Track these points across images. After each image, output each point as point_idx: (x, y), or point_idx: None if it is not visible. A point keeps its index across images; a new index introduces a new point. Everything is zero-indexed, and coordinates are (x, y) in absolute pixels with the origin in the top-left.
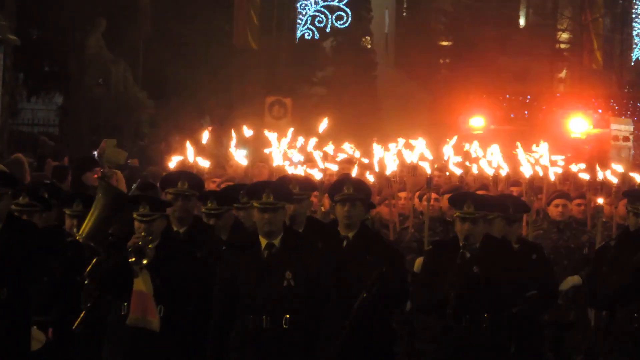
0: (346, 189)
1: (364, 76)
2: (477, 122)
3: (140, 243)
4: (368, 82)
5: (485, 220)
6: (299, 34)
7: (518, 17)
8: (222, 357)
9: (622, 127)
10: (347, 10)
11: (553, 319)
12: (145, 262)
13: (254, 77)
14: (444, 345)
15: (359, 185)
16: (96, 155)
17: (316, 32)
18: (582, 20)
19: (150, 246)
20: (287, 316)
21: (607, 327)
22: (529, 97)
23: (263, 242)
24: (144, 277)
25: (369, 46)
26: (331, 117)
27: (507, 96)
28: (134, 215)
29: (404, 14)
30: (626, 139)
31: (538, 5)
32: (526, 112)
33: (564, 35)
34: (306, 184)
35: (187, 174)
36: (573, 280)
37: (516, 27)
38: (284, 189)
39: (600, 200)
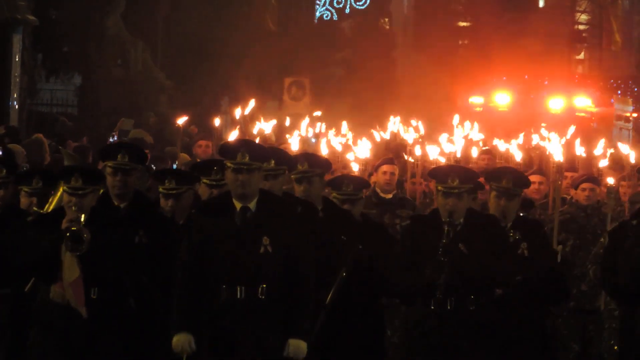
0: (300, 165)
1: (383, 57)
2: (477, 100)
3: (74, 229)
4: (386, 63)
5: (470, 196)
6: (317, 14)
7: None
8: (190, 331)
9: (620, 107)
10: None
11: (578, 306)
12: (81, 247)
13: (273, 59)
14: (427, 332)
15: (314, 160)
16: (115, 137)
17: (335, 13)
18: (600, 1)
19: (82, 220)
20: (264, 286)
21: (625, 327)
22: (547, 81)
23: (237, 205)
24: (67, 257)
25: (388, 27)
26: (349, 98)
27: (526, 77)
28: (64, 188)
29: None
30: (627, 119)
31: None
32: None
33: (583, 17)
34: (281, 158)
35: (128, 145)
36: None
37: (535, 9)
38: (261, 149)
39: (610, 180)
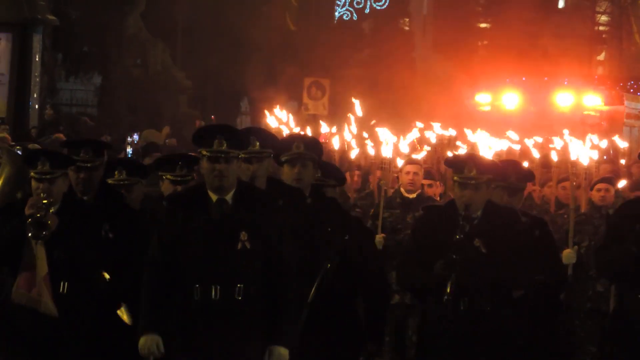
0: (295, 147)
1: (402, 58)
2: (483, 98)
3: (39, 215)
4: (406, 64)
5: (489, 188)
6: (337, 15)
7: None
8: (158, 332)
9: (633, 105)
10: None
11: (595, 307)
12: (45, 233)
13: (292, 58)
14: (440, 333)
15: (310, 143)
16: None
17: (354, 13)
18: (621, 2)
19: (51, 210)
20: (241, 285)
21: (616, 310)
22: (566, 81)
23: (213, 197)
24: (38, 251)
25: (407, 28)
26: (369, 98)
27: (546, 79)
28: (32, 174)
29: None
30: (637, 117)
31: None
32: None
33: (603, 18)
34: (267, 139)
35: (91, 142)
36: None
37: (555, 9)
38: (239, 135)
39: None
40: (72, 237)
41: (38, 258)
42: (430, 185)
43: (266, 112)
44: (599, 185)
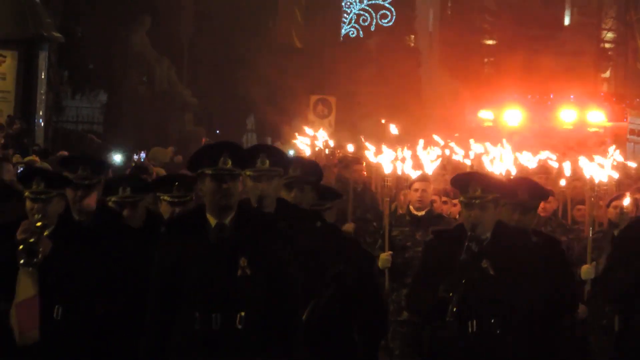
0: (292, 171)
1: (408, 75)
2: (487, 115)
3: (32, 240)
4: (412, 81)
5: (497, 206)
6: (343, 32)
7: (563, 16)
8: None
9: (636, 121)
10: (392, 8)
11: (610, 324)
12: (35, 261)
13: (298, 76)
14: (448, 355)
15: (308, 166)
16: (142, 155)
17: (361, 31)
18: (626, 19)
19: (45, 233)
20: (242, 314)
21: (621, 331)
22: (572, 96)
23: (212, 221)
24: (22, 275)
25: (413, 45)
26: (375, 115)
27: (551, 95)
28: (26, 194)
29: (449, 12)
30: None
31: (583, 5)
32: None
33: (609, 35)
34: (278, 158)
35: (87, 159)
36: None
37: (561, 27)
38: (244, 153)
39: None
40: (66, 261)
41: (20, 282)
42: (445, 202)
43: (297, 135)
44: (615, 202)
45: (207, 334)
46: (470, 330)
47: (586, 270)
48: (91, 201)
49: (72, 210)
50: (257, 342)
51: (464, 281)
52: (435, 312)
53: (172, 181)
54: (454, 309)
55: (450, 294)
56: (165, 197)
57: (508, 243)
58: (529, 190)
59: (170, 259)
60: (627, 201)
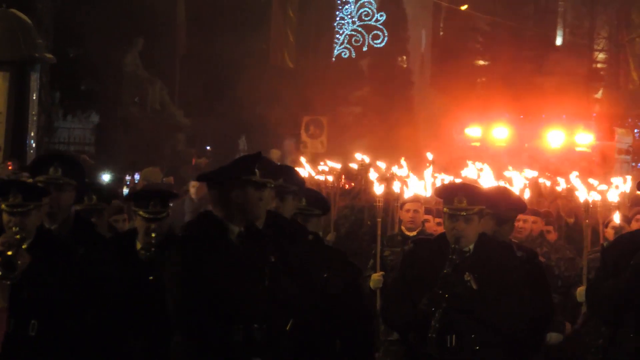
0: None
1: (400, 95)
2: (474, 132)
3: (10, 253)
4: (404, 102)
5: (481, 218)
6: (335, 52)
7: (554, 37)
8: None
9: (624, 140)
10: (384, 29)
11: (607, 344)
12: (14, 275)
13: (291, 96)
14: None
15: (290, 175)
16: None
17: (353, 51)
18: (618, 40)
19: (24, 246)
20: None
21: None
22: (564, 116)
23: (234, 230)
24: (3, 290)
25: (405, 65)
26: (367, 136)
27: (543, 116)
28: (2, 207)
29: (441, 33)
30: (627, 152)
31: (574, 25)
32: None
33: (601, 55)
34: (270, 170)
35: (62, 157)
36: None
37: (552, 47)
38: (271, 167)
39: (616, 218)
40: (43, 275)
41: (2, 294)
42: (439, 224)
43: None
44: (613, 223)
45: (249, 345)
46: (448, 344)
47: (580, 292)
48: (62, 206)
49: (43, 219)
50: (281, 353)
51: (447, 296)
52: (415, 326)
53: (149, 196)
54: (436, 325)
55: (433, 309)
56: (141, 212)
57: (491, 257)
58: (506, 201)
59: (197, 271)
60: (616, 217)
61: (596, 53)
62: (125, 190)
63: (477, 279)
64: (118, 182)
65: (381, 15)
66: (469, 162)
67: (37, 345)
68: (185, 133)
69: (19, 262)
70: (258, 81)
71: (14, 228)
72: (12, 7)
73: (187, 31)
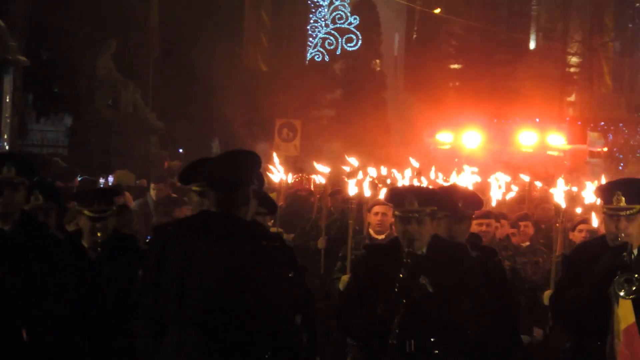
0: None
1: (374, 98)
2: (445, 137)
3: None
4: (377, 105)
5: (434, 219)
6: (309, 56)
7: (528, 41)
8: None
9: (596, 143)
10: (357, 33)
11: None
12: None
13: (264, 99)
14: None
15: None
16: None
17: (326, 55)
18: (592, 44)
19: None
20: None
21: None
22: (537, 119)
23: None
24: None
25: (379, 69)
26: (340, 139)
27: (517, 119)
28: None
29: (414, 36)
30: (598, 155)
31: (548, 29)
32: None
33: (574, 59)
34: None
35: (14, 156)
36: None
37: (526, 51)
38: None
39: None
40: None
41: None
42: None
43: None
44: (580, 226)
45: None
46: (408, 350)
47: (547, 295)
48: (15, 205)
49: None
50: None
51: (404, 301)
52: (372, 332)
53: (93, 195)
54: (397, 331)
55: (390, 315)
56: (85, 212)
57: (445, 258)
58: (464, 198)
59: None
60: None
61: (569, 57)
62: None
63: (432, 282)
64: (91, 184)
65: (355, 19)
66: (465, 167)
67: None
68: (158, 135)
69: None
70: (231, 84)
71: None
72: None
73: (160, 34)
